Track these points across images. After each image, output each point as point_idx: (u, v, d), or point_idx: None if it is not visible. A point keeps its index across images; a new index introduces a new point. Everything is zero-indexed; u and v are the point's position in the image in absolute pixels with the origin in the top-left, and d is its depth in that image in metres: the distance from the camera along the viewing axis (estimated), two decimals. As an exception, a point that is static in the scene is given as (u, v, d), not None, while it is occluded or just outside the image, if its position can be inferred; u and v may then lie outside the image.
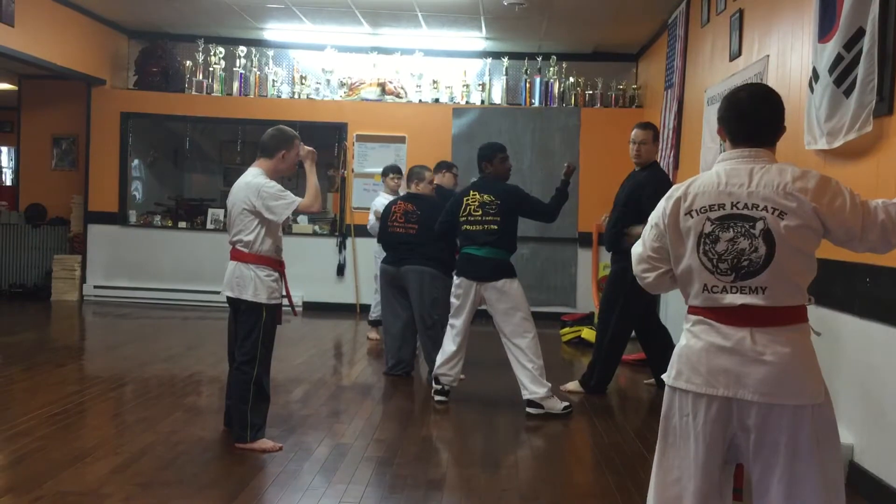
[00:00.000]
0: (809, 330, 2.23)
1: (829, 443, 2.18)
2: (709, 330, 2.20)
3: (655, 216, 2.36)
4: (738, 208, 2.14)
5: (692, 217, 2.21)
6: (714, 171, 2.26)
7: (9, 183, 13.62)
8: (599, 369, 5.75)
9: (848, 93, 3.87)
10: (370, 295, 8.49)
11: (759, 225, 2.12)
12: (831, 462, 2.18)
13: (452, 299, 5.30)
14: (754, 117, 2.25)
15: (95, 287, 9.80)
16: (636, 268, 2.42)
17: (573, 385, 5.80)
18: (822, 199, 2.13)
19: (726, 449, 2.21)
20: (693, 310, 2.26)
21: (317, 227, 9.80)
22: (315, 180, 4.33)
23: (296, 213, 4.25)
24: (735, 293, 2.15)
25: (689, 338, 2.25)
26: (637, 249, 2.42)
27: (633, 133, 5.71)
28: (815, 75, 4.24)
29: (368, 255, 8.75)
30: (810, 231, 2.13)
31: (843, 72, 3.92)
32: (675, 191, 2.30)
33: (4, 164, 14.78)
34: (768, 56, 5.22)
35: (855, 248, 2.25)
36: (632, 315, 5.71)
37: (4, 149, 14.61)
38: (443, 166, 7.10)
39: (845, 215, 2.15)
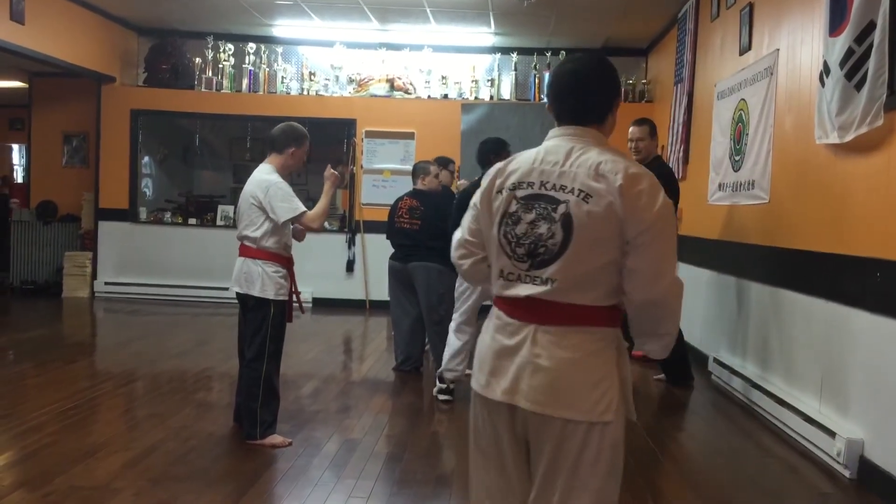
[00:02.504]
0: (610, 337, 1.95)
1: (605, 468, 1.91)
2: (498, 326, 1.99)
3: (475, 196, 2.11)
4: (545, 188, 1.92)
5: (501, 194, 1.99)
6: (537, 147, 2.03)
7: (20, 180, 13.69)
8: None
9: (859, 87, 3.85)
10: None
11: (561, 209, 1.87)
12: (604, 491, 1.93)
13: (457, 294, 5.32)
14: (577, 94, 2.01)
15: (106, 283, 9.85)
16: (453, 254, 2.18)
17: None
18: (633, 187, 1.85)
19: (522, 455, 1.99)
20: (494, 299, 2.05)
21: (326, 224, 9.81)
22: (327, 202, 4.37)
23: (294, 220, 4.20)
24: (527, 283, 1.92)
25: (484, 333, 2.06)
26: (456, 234, 2.18)
27: (629, 131, 5.77)
28: (826, 69, 4.22)
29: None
30: (615, 219, 1.84)
31: (854, 65, 3.90)
32: (496, 167, 2.07)
33: (16, 161, 14.86)
34: (778, 50, 5.20)
35: (634, 292, 1.91)
36: None
37: (16, 146, 14.69)
38: (441, 162, 6.98)
39: (644, 220, 1.84)
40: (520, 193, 1.95)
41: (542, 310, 1.91)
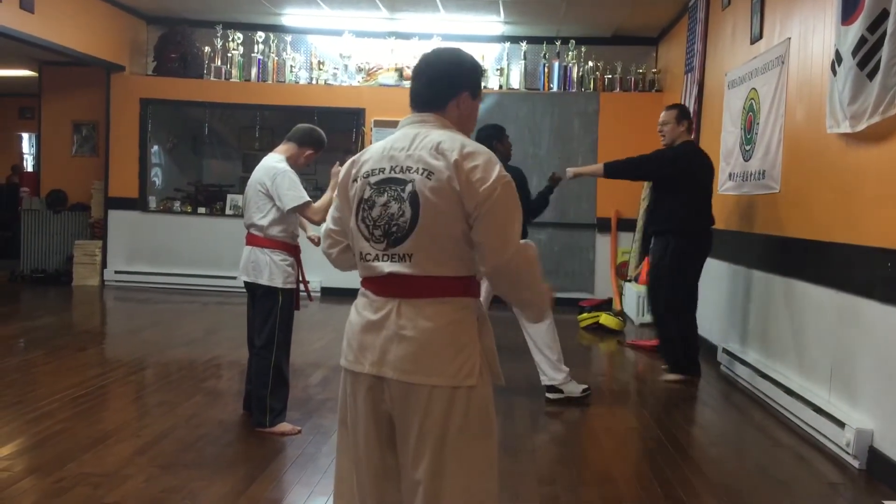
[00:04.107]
0: (471, 307, 2.09)
1: (473, 432, 2.01)
2: (365, 304, 2.12)
3: (338, 186, 2.25)
4: (395, 172, 2.04)
5: (357, 183, 2.12)
6: (389, 136, 2.17)
7: (30, 169, 13.75)
8: (683, 348, 5.78)
9: (872, 75, 3.82)
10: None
11: (408, 188, 2.00)
12: (476, 454, 2.01)
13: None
14: (422, 81, 2.16)
15: (116, 272, 9.90)
16: (322, 245, 2.32)
17: (672, 376, 5.82)
18: (466, 162, 1.97)
19: (388, 430, 2.07)
20: (361, 282, 2.17)
21: (335, 213, 9.80)
22: (331, 197, 4.36)
23: (298, 209, 4.19)
24: (386, 261, 2.04)
25: (352, 312, 2.17)
26: (324, 225, 2.33)
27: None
28: (838, 58, 4.19)
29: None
30: (454, 193, 1.97)
31: (866, 54, 3.87)
32: (351, 159, 2.21)
33: (26, 150, 14.92)
34: (790, 39, 5.16)
35: (483, 262, 2.04)
36: (686, 284, 5.71)
37: (26, 135, 14.76)
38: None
39: (479, 193, 1.95)
40: (372, 180, 2.07)
41: (403, 285, 2.03)
